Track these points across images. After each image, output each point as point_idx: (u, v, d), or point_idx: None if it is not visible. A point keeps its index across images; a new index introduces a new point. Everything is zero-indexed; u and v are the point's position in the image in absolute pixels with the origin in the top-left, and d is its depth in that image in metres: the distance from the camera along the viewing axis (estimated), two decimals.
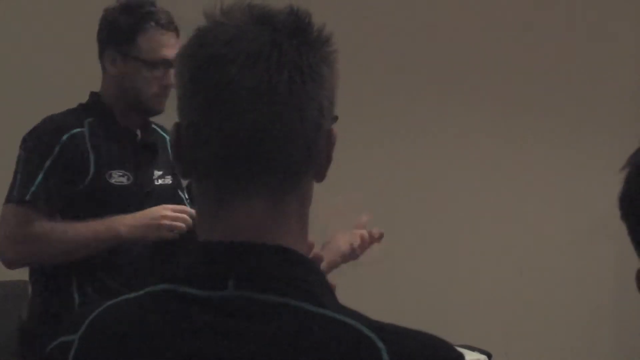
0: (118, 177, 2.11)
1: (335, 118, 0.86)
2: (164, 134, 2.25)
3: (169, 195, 2.21)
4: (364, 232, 2.05)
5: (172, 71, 2.03)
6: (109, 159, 2.11)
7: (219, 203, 0.84)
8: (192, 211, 2.04)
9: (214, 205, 0.85)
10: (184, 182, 2.30)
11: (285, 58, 0.81)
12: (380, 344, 0.79)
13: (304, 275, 0.83)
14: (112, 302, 0.87)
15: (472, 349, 2.86)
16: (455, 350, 0.84)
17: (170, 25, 2.09)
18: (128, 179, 2.13)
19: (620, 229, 0.93)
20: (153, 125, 2.26)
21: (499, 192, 3.63)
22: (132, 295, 0.86)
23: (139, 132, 2.20)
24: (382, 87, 3.50)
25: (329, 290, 0.85)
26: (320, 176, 0.87)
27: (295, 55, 0.82)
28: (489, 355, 3.26)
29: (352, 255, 2.03)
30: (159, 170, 2.20)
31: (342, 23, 2.90)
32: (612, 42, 3.88)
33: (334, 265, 1.98)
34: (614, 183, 0.92)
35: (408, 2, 3.59)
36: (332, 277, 1.29)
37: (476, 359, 3.05)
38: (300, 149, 0.83)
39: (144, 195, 2.15)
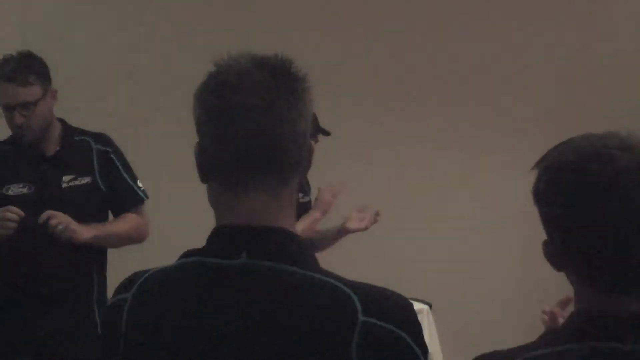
0: (17, 189, 2.60)
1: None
2: (91, 140, 2.70)
3: (82, 192, 2.64)
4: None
5: (16, 113, 2.54)
6: (9, 176, 2.61)
7: (234, 196, 1.07)
8: (14, 208, 2.50)
9: (230, 198, 1.07)
10: None
11: (281, 86, 1.05)
12: (354, 296, 1.02)
13: (296, 248, 1.07)
14: (157, 269, 1.10)
15: (416, 300, 3.19)
16: (407, 300, 1.08)
17: (12, 78, 2.54)
18: (29, 189, 2.60)
19: (529, 216, 1.21)
20: (81, 138, 2.71)
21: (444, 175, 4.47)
22: (171, 264, 1.09)
23: (58, 148, 2.66)
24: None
25: (314, 259, 1.09)
26: (302, 178, 1.12)
27: (288, 85, 1.06)
28: (430, 305, 3.63)
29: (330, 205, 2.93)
30: (69, 175, 2.63)
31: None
32: (525, 50, 4.43)
33: (323, 214, 2.92)
34: (525, 180, 1.18)
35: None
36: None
37: (420, 307, 3.40)
38: (292, 154, 1.06)
39: (49, 199, 2.58)
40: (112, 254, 2.72)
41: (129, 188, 2.71)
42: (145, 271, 1.11)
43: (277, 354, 1.02)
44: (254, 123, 1.04)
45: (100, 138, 2.73)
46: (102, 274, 2.74)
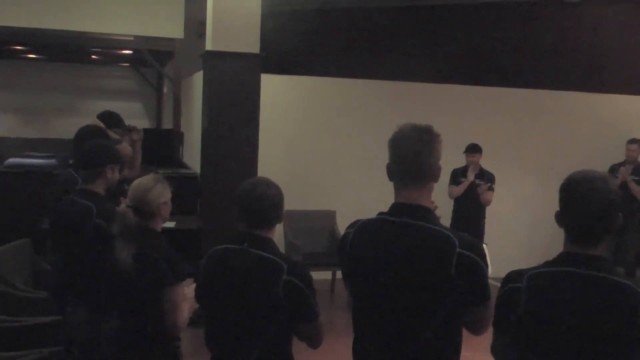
0: None
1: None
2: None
3: None
4: None
5: None
6: None
7: (400, 189, 2.16)
8: None
9: (399, 190, 2.15)
10: None
11: (424, 139, 2.15)
12: (454, 238, 2.04)
13: (426, 214, 2.12)
14: (367, 219, 2.19)
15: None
16: (479, 241, 2.07)
17: None
18: None
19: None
20: None
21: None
22: (373, 217, 2.17)
23: None
24: None
25: (437, 219, 2.16)
26: (434, 183, 2.20)
27: (427, 138, 2.14)
28: (486, 244, 5.06)
29: None
30: None
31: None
32: None
33: None
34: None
35: None
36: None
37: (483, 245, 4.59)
38: (428, 171, 2.14)
39: None
40: None
41: None
42: (361, 219, 2.25)
43: (414, 263, 2.05)
44: (413, 155, 2.14)
45: None
46: None
